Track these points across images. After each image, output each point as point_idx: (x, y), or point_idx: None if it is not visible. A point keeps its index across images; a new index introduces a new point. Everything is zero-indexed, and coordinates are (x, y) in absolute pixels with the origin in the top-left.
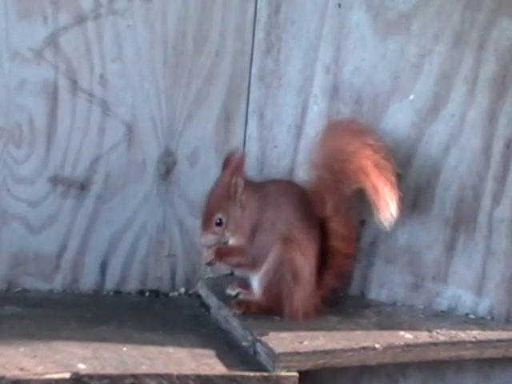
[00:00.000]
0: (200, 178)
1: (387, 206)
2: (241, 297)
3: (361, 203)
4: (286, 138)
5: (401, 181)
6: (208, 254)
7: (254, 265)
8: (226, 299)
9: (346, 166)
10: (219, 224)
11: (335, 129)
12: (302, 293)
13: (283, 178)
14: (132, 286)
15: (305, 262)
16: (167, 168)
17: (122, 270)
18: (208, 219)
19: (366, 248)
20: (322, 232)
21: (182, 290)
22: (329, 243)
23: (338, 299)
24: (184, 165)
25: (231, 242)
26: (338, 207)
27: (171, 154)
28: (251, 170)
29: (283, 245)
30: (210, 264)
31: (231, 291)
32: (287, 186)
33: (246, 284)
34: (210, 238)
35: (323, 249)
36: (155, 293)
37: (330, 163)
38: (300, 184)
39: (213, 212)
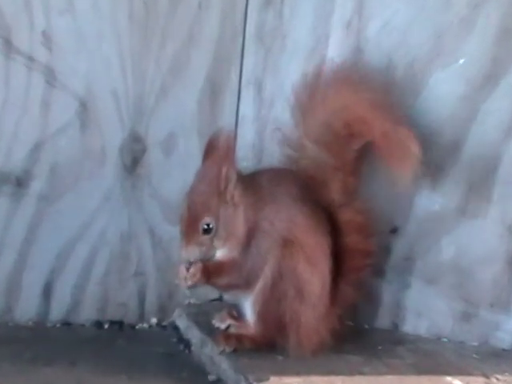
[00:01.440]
0: (178, 170)
1: (406, 154)
2: (232, 330)
3: (391, 204)
4: (291, 118)
5: (445, 174)
6: (190, 273)
7: (248, 283)
8: (212, 333)
9: (343, 120)
10: (207, 231)
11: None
12: (312, 314)
13: (276, 166)
14: (86, 315)
15: (312, 270)
16: (134, 157)
17: (72, 295)
18: (192, 225)
19: (398, 264)
20: (332, 227)
21: (154, 320)
22: (342, 240)
23: (362, 332)
24: (156, 153)
25: (220, 254)
26: (345, 187)
27: (139, 139)
28: (246, 160)
29: (283, 250)
30: (192, 286)
31: (220, 323)
32: (282, 173)
33: (238, 314)
34: (194, 251)
35: (334, 249)
36: (118, 324)
37: (323, 129)
38: (296, 171)
39: (198, 215)
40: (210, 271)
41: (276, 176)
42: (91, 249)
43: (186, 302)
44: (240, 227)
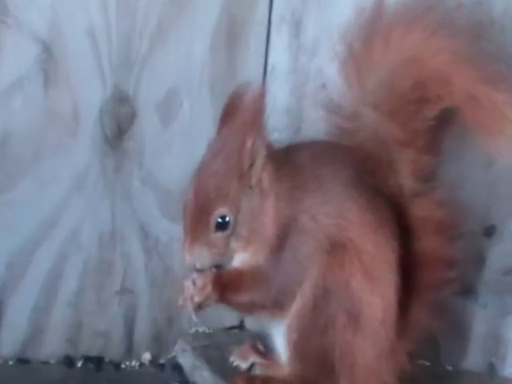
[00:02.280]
0: (181, 144)
1: (502, 123)
2: (257, 370)
3: (485, 194)
4: (341, 72)
5: None
6: (198, 288)
7: (279, 303)
8: (228, 375)
9: (413, 76)
10: (222, 226)
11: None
12: (371, 349)
13: (320, 139)
14: (51, 349)
15: (372, 286)
16: (119, 126)
17: (31, 320)
18: (200, 219)
19: (496, 280)
20: (400, 225)
21: (147, 356)
22: (414, 244)
23: (443, 376)
24: (150, 120)
25: (239, 260)
26: (417, 169)
27: (126, 99)
28: (277, 130)
29: (330, 257)
30: (200, 307)
31: (240, 361)
32: (329, 150)
33: (266, 347)
34: (201, 254)
35: (403, 257)
36: (95, 362)
37: (385, 88)
38: (350, 147)
39: (210, 204)
40: (225, 283)
41: (321, 153)
42: (58, 255)
43: (193, 330)
44: (269, 223)
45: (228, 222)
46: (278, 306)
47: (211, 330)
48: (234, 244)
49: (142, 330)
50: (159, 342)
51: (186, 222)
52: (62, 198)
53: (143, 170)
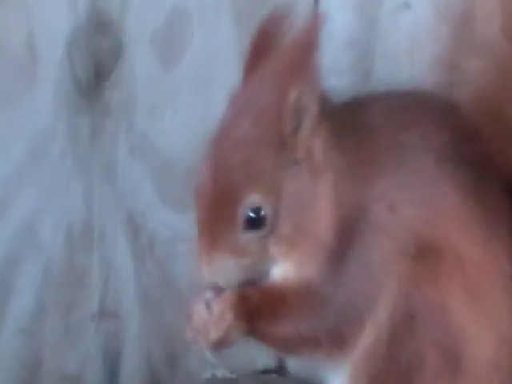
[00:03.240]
0: (188, 94)
1: None
2: None
3: None
4: None
5: None
6: (215, 315)
7: (340, 338)
8: None
9: None
10: (256, 223)
11: None
12: None
13: (402, 89)
14: None
15: (478, 312)
16: (98, 68)
17: None
18: (222, 213)
19: None
20: None
21: None
22: None
23: None
24: (144, 58)
25: (279, 274)
26: None
27: (108, 26)
28: (336, 73)
29: (416, 267)
30: (219, 345)
31: None
32: (416, 105)
33: None
34: (227, 268)
35: None
36: None
37: None
38: (454, 106)
39: (235, 191)
40: (256, 309)
41: (402, 110)
42: (5, 258)
43: (207, 374)
44: (324, 217)
45: (264, 217)
46: (337, 340)
47: (235, 375)
48: (272, 249)
49: (131, 372)
50: None
51: (200, 217)
52: (11, 174)
53: (134, 135)
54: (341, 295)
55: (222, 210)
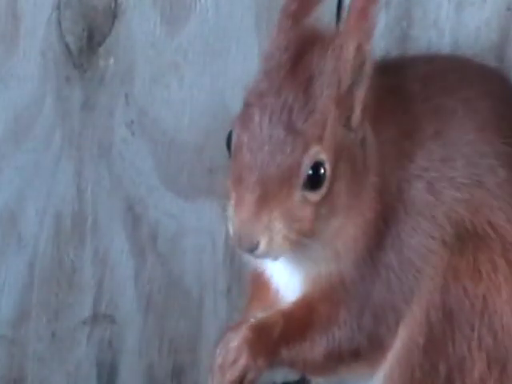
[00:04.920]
0: (198, 58)
1: None
2: None
3: None
4: None
5: None
6: (231, 355)
7: (379, 341)
8: None
9: None
10: (317, 182)
11: None
12: None
13: (440, 53)
14: None
15: None
16: (91, 30)
17: None
18: (279, 161)
19: None
20: None
21: None
22: None
23: None
24: (146, 17)
25: (312, 270)
26: None
27: None
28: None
29: (456, 257)
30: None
31: None
32: (457, 68)
33: None
34: (273, 229)
35: None
36: None
37: None
38: (489, 67)
39: (299, 138)
40: (281, 338)
41: (441, 75)
42: None
43: None
44: (368, 198)
45: (325, 176)
46: (377, 345)
47: None
48: (323, 226)
49: None
50: None
51: (246, 166)
52: None
53: (132, 109)
54: (378, 291)
55: (279, 160)
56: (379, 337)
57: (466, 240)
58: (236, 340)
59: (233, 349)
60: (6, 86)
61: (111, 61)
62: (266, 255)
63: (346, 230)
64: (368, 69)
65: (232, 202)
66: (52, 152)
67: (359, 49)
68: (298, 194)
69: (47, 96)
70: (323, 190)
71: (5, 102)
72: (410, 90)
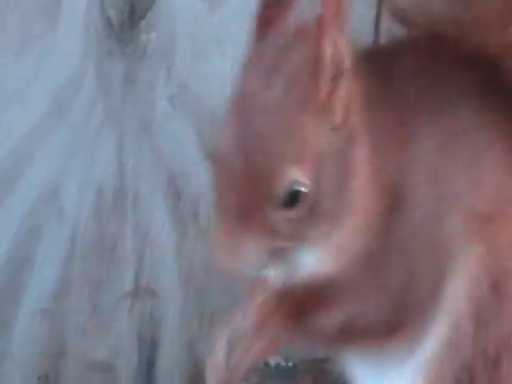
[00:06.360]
0: (240, 34)
1: None
2: None
3: None
4: None
5: None
6: (257, 323)
7: (395, 327)
8: None
9: None
10: (296, 199)
11: None
12: None
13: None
14: None
15: None
16: (132, 5)
17: None
18: (255, 188)
19: None
20: None
21: None
22: None
23: None
24: None
25: (314, 261)
26: None
27: None
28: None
29: (483, 241)
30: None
31: None
32: (450, 50)
33: None
34: (255, 251)
35: None
36: None
37: None
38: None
39: (273, 163)
40: (300, 306)
41: (439, 54)
42: (22, 226)
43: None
44: (367, 190)
45: (304, 193)
46: (393, 328)
47: (291, 364)
48: (311, 230)
49: (169, 361)
50: (200, 382)
51: (224, 196)
52: (31, 129)
53: (173, 83)
54: (395, 280)
55: (255, 186)
56: (398, 321)
57: (483, 225)
58: (260, 307)
59: (258, 316)
60: (49, 61)
61: (153, 35)
62: (254, 273)
63: (347, 225)
64: (347, 64)
65: (214, 229)
66: (93, 126)
67: (335, 47)
68: (276, 214)
69: (89, 70)
70: (303, 204)
71: (47, 77)
72: (400, 75)
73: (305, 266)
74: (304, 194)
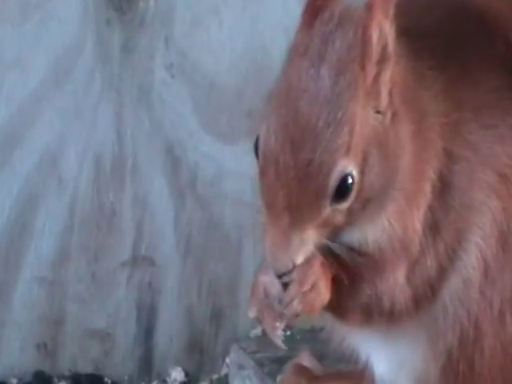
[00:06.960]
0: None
1: None
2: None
3: None
4: None
5: None
6: (306, 280)
7: (420, 298)
8: None
9: None
10: (345, 193)
11: None
12: None
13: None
14: (10, 361)
15: None
16: None
17: None
18: (306, 183)
19: None
20: None
21: (176, 375)
22: None
23: None
24: None
25: (360, 239)
26: None
27: None
28: None
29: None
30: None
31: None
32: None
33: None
34: (307, 245)
35: None
36: None
37: None
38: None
39: (325, 157)
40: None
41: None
42: (21, 193)
43: (258, 332)
44: (411, 171)
45: (353, 183)
46: (417, 302)
47: (289, 332)
48: (359, 215)
49: (168, 329)
50: (197, 351)
51: (273, 193)
52: (30, 97)
53: (172, 51)
54: (437, 251)
55: (306, 181)
56: (421, 293)
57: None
58: (311, 266)
59: (308, 274)
60: (47, 29)
61: (151, 3)
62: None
63: (393, 206)
64: (391, 49)
65: (265, 225)
66: (92, 94)
67: (381, 32)
68: (328, 208)
69: (87, 38)
70: (353, 194)
71: (45, 44)
72: (437, 49)
73: (351, 245)
74: (352, 184)
